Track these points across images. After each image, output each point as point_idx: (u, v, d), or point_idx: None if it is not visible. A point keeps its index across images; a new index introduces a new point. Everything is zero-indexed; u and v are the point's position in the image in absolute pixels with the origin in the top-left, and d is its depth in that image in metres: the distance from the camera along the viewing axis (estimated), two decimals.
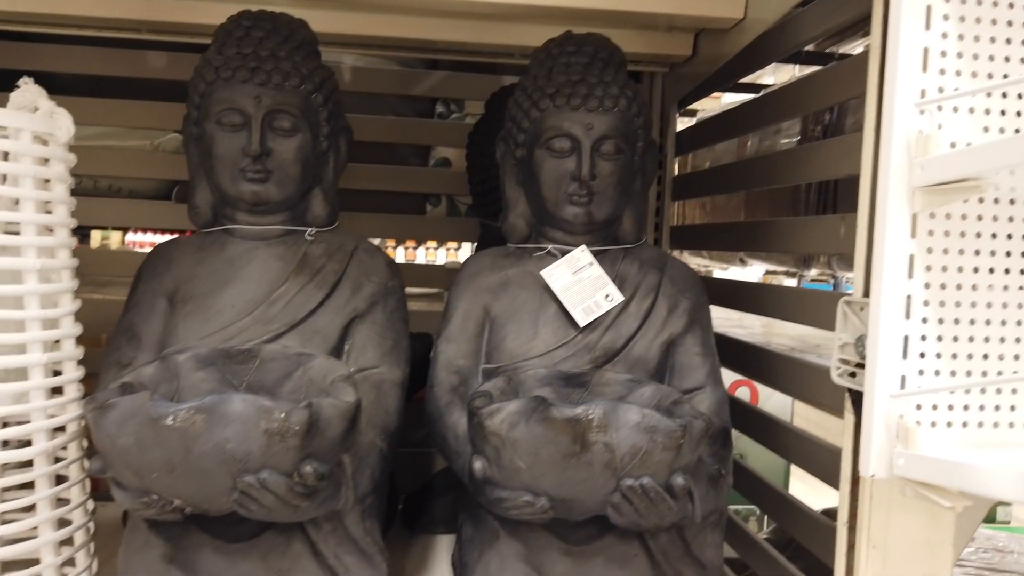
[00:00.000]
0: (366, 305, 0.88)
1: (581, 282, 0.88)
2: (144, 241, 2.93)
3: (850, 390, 0.71)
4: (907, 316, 0.62)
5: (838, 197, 1.31)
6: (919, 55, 0.60)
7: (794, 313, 0.96)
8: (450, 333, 0.90)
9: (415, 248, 4.20)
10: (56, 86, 0.85)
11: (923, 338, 0.62)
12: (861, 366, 0.68)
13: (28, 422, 0.77)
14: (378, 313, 0.88)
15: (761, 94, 1.14)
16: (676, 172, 1.37)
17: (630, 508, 0.70)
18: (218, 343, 0.81)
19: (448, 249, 4.01)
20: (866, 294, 0.67)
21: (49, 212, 0.79)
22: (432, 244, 4.08)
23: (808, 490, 1.28)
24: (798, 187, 1.38)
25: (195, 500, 0.67)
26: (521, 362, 0.86)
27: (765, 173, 1.05)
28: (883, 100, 0.62)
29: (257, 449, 0.64)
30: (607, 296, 0.88)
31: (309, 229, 0.89)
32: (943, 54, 0.61)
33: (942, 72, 0.61)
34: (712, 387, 0.87)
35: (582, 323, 0.87)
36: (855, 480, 0.71)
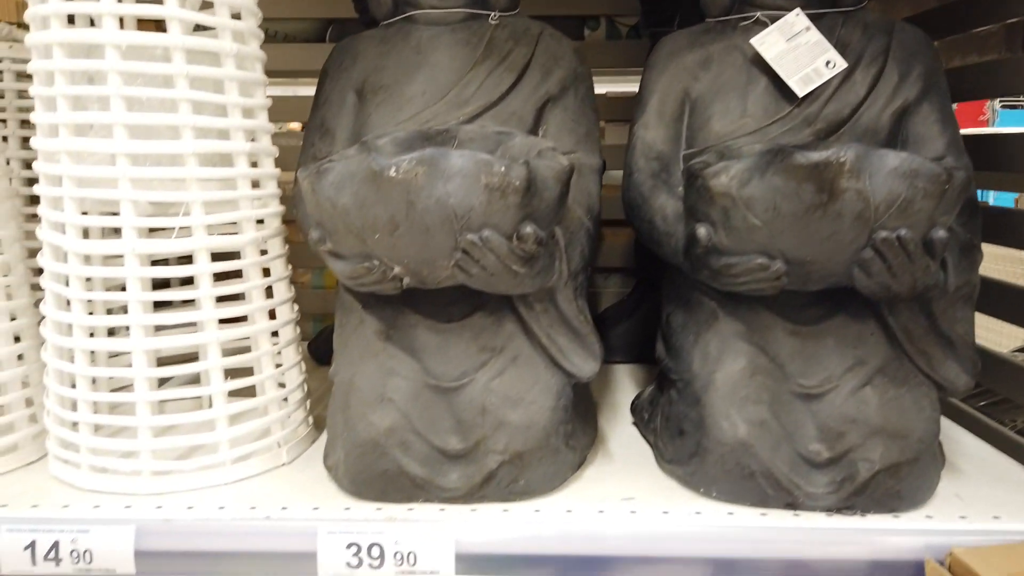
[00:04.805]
0: (558, 89, 0.82)
1: (797, 49, 0.78)
2: None
3: None
4: None
5: None
6: None
7: None
8: (647, 119, 0.83)
9: None
10: None
11: None
12: None
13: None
14: (570, 99, 0.83)
15: None
16: None
17: (882, 266, 0.63)
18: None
19: None
20: None
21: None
22: None
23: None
24: None
25: (416, 264, 0.65)
26: (730, 142, 0.79)
27: None
28: None
29: (479, 205, 0.61)
30: (828, 63, 0.78)
31: (493, 13, 0.84)
32: None
33: None
34: (955, 158, 0.76)
35: (801, 94, 0.77)
36: None
